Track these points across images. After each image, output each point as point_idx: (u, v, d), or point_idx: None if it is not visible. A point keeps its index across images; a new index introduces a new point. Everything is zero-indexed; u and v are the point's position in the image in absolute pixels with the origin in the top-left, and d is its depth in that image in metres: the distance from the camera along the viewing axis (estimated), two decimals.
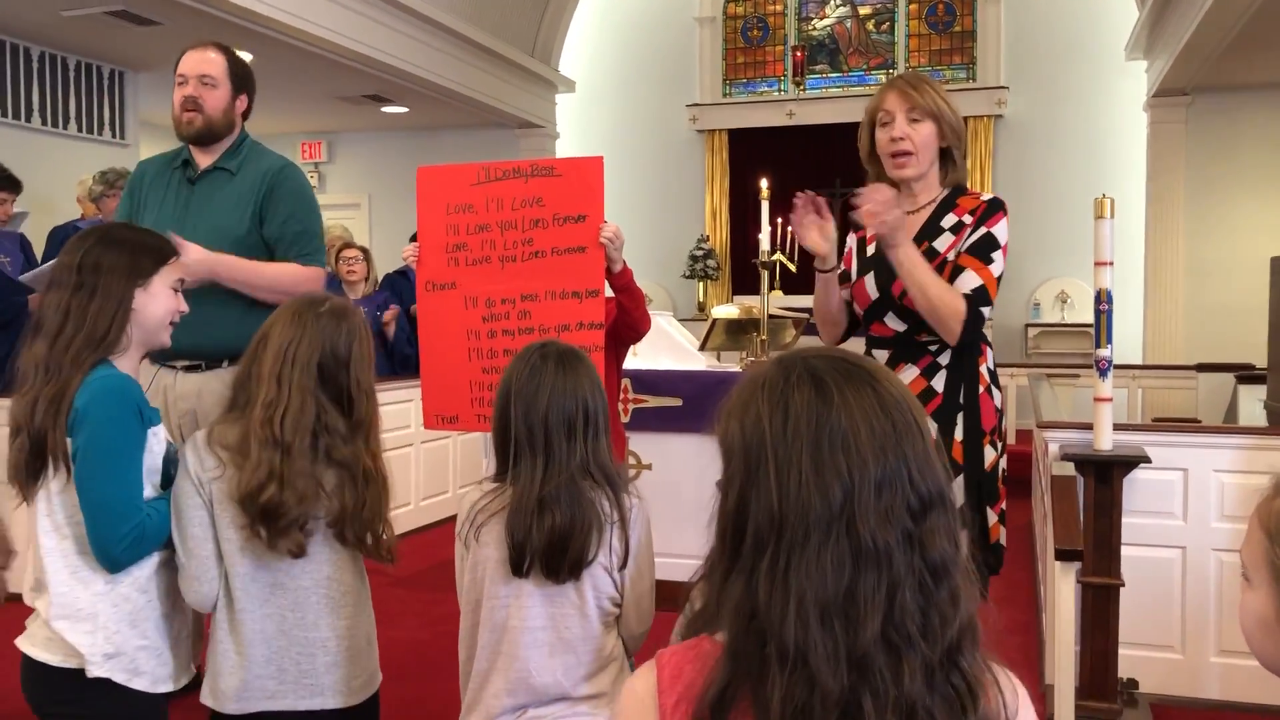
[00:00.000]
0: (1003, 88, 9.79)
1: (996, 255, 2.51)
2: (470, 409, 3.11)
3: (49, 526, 1.91)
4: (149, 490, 1.95)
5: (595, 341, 2.95)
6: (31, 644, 1.94)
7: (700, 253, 10.36)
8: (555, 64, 10.56)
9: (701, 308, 10.24)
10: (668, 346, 4.79)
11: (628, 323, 3.13)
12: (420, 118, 10.04)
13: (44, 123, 7.38)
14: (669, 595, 3.76)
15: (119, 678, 1.90)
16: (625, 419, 4.26)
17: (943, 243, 2.54)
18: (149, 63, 7.81)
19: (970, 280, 2.47)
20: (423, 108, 9.52)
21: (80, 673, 1.88)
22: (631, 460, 4.33)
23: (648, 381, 4.40)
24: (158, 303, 2.02)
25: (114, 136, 7.97)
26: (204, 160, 3.14)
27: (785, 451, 0.99)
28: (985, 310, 2.49)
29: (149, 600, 1.95)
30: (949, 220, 2.57)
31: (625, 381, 4.29)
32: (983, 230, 2.52)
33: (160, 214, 3.09)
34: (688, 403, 4.33)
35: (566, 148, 10.68)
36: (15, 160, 5.56)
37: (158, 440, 1.98)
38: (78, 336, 1.93)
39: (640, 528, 2.02)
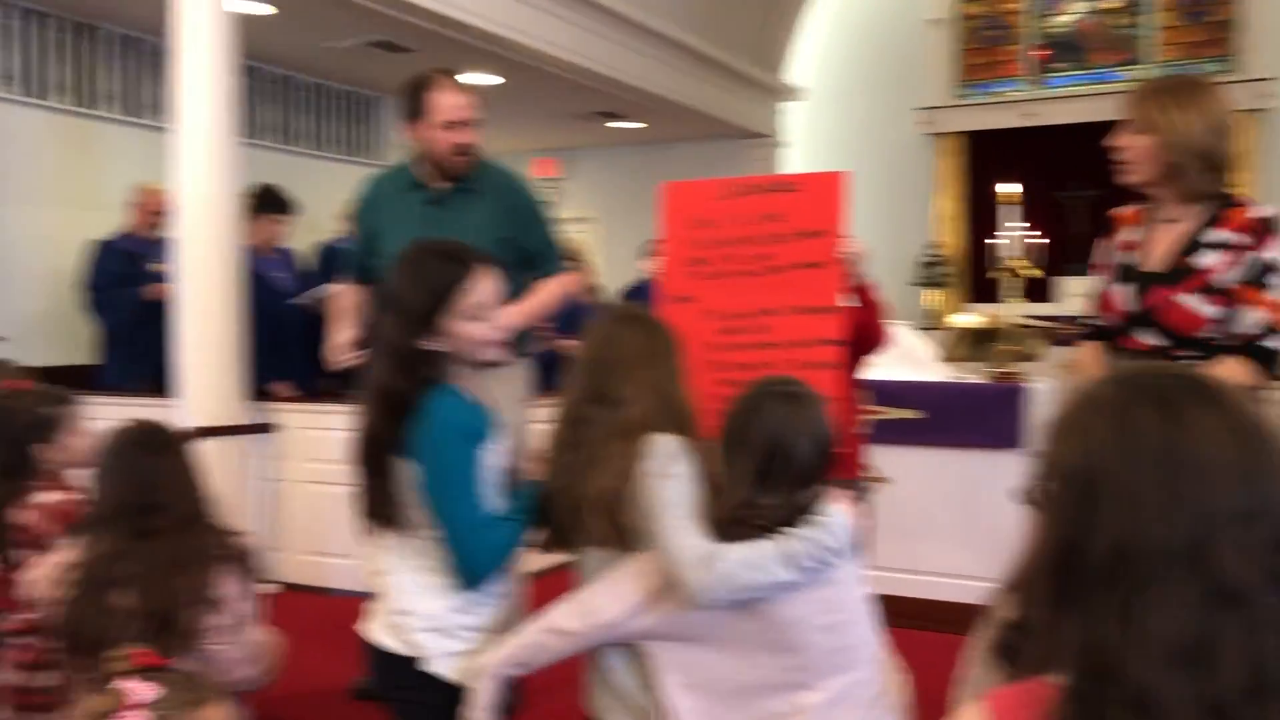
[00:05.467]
0: (1270, 79, 9.06)
1: (1276, 281, 2.41)
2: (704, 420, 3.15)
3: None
4: (490, 504, 2.04)
5: (833, 357, 2.93)
6: (376, 631, 2.09)
7: (929, 259, 10.09)
8: (781, 73, 10.54)
9: (930, 316, 9.97)
10: (905, 356, 4.69)
11: (866, 336, 3.10)
12: (649, 132, 10.23)
13: (311, 147, 7.99)
14: (914, 613, 3.68)
15: (455, 674, 2.02)
16: (863, 431, 4.21)
17: (1206, 259, 2.41)
18: (398, 90, 8.30)
19: (1253, 316, 2.36)
20: (652, 122, 9.70)
21: (408, 661, 2.02)
22: (869, 474, 4.27)
23: (888, 392, 4.32)
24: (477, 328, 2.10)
25: (371, 158, 8.53)
26: (441, 183, 3.29)
27: (1129, 478, 0.91)
28: (1274, 342, 2.38)
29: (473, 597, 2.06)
30: (1214, 235, 2.44)
31: (864, 393, 4.24)
32: (1260, 255, 2.40)
33: (404, 235, 3.28)
34: (930, 415, 4.24)
35: (794, 156, 10.64)
36: (284, 183, 6.03)
37: (495, 452, 2.07)
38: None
39: None
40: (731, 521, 1.96)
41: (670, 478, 2.02)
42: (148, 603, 2.19)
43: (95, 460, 2.45)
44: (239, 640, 2.29)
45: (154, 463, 2.34)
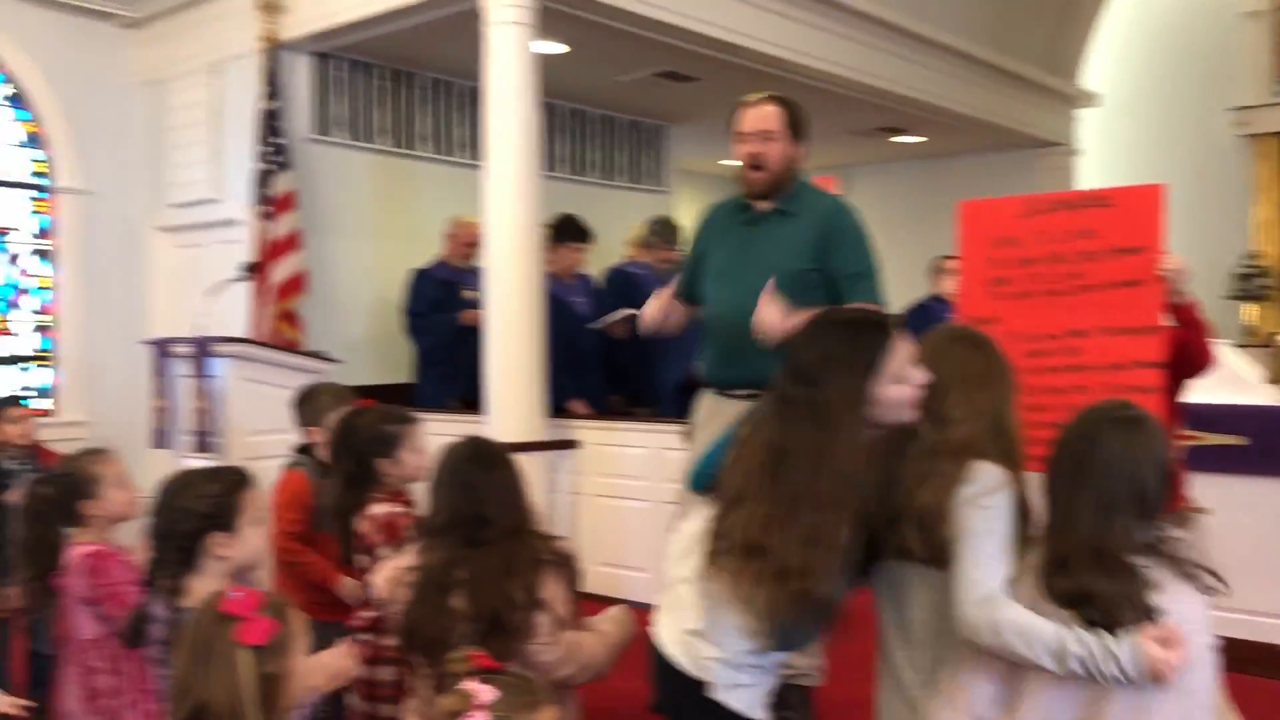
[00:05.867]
0: None
1: None
2: None
3: None
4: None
5: (1150, 381, 2.78)
6: (669, 641, 2.16)
7: (1247, 271, 9.27)
8: (1076, 79, 10.03)
9: (1248, 333, 9.16)
10: (1228, 378, 4.36)
11: (1187, 359, 2.92)
12: (932, 145, 10.00)
13: (600, 177, 8.36)
14: (1240, 656, 3.44)
15: (737, 703, 2.08)
16: (1181, 457, 3.95)
17: None
18: (685, 116, 8.56)
19: None
20: (934, 135, 9.48)
21: (698, 684, 2.08)
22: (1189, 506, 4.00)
23: (1206, 417, 4.03)
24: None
25: (655, 185, 8.82)
26: (763, 204, 3.34)
27: None
28: None
29: None
30: None
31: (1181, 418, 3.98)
32: None
33: (723, 256, 3.38)
34: (1255, 441, 3.92)
35: (1089, 165, 10.08)
36: (577, 211, 6.33)
37: None
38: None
39: None
40: (1084, 555, 1.91)
41: (987, 508, 1.99)
42: (478, 607, 2.35)
43: (429, 473, 2.66)
44: (561, 641, 2.42)
45: (484, 476, 2.51)
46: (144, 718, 2.85)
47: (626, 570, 5.20)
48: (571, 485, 5.37)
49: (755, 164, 3.28)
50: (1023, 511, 2.07)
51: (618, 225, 7.15)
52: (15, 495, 3.97)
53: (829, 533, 1.95)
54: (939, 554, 2.04)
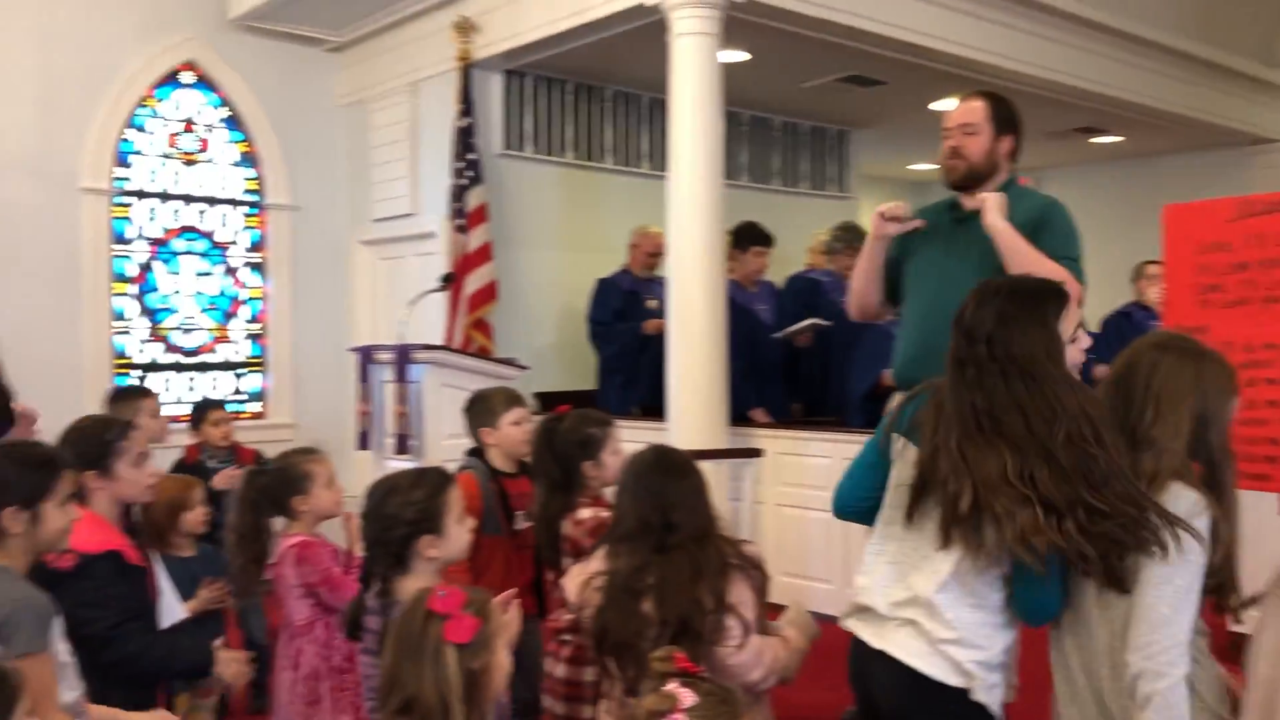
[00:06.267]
0: None
1: None
2: None
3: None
4: None
5: None
6: (911, 655, 2.11)
7: None
8: None
9: None
10: None
11: None
12: (1132, 145, 9.53)
13: (782, 184, 8.33)
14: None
15: (992, 702, 2.08)
16: None
17: None
18: (870, 120, 8.44)
19: None
20: (1136, 135, 9.03)
21: (958, 692, 2.07)
22: None
23: None
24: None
25: (838, 191, 8.72)
26: (971, 203, 3.29)
27: None
28: None
29: (1014, 635, 2.14)
30: None
31: None
32: None
33: (925, 254, 3.34)
34: None
35: None
36: (758, 219, 6.33)
37: None
38: None
39: None
40: None
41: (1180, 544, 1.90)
42: (667, 611, 2.38)
43: (618, 479, 2.71)
44: (750, 645, 2.43)
45: (670, 483, 2.54)
46: (351, 706, 3.01)
47: (810, 581, 5.16)
48: (754, 494, 5.37)
49: (954, 155, 3.29)
50: (1214, 537, 1.95)
51: (800, 233, 7.11)
52: (223, 481, 4.28)
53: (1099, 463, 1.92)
54: (1124, 580, 1.95)
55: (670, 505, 2.49)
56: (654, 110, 7.41)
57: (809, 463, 5.28)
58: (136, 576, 2.73)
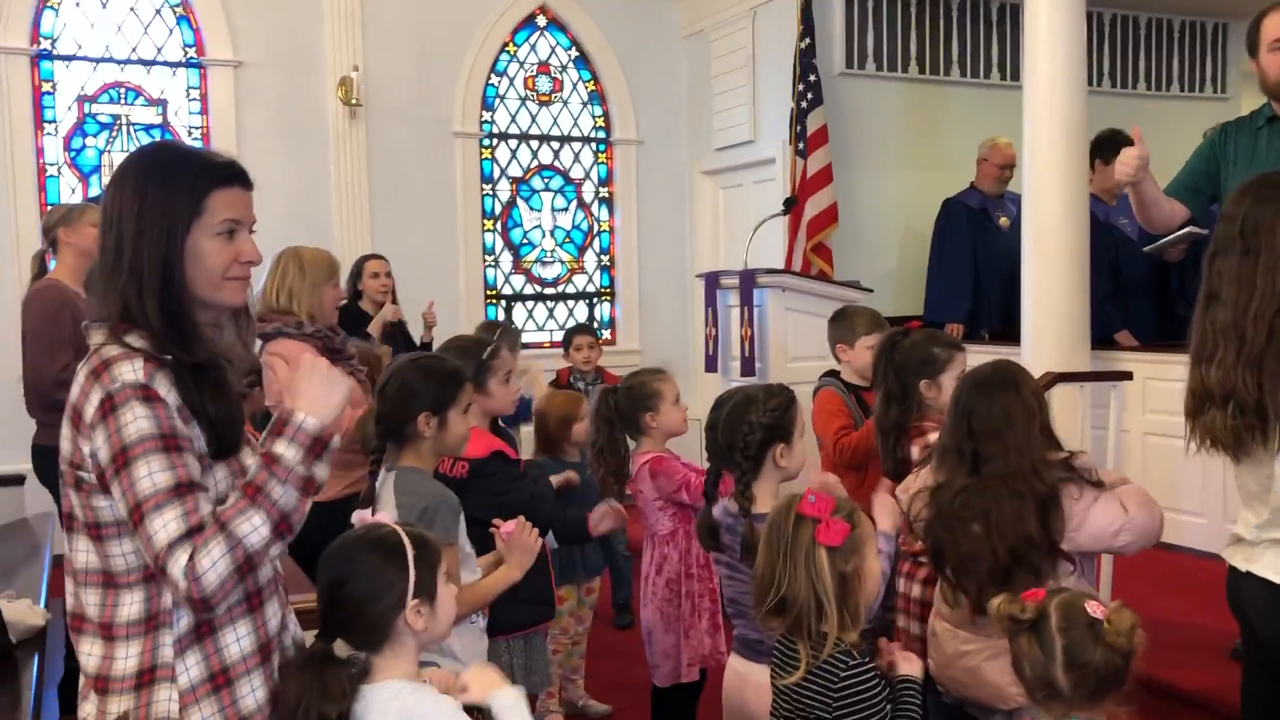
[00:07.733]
0: None
1: None
2: None
3: None
4: None
5: None
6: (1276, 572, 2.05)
7: None
8: None
9: None
10: None
11: None
12: None
13: (1148, 87, 7.65)
14: None
15: None
16: None
17: None
18: (1251, 10, 7.51)
19: None
20: None
21: None
22: None
23: None
24: None
25: (1215, 92, 7.89)
26: None
27: None
28: None
29: None
30: None
31: None
32: None
33: (1251, 166, 3.17)
34: None
35: None
36: (1121, 127, 5.83)
37: None
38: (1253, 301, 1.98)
39: None
40: None
41: None
42: (996, 542, 2.27)
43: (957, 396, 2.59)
44: (1110, 500, 2.36)
45: (982, 406, 2.39)
46: (708, 609, 3.17)
47: (1181, 515, 4.79)
48: (1119, 422, 5.04)
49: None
50: None
51: (1172, 139, 6.49)
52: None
53: None
54: None
55: (979, 432, 2.39)
56: (1003, 16, 7.00)
57: (1177, 388, 4.85)
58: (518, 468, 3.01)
